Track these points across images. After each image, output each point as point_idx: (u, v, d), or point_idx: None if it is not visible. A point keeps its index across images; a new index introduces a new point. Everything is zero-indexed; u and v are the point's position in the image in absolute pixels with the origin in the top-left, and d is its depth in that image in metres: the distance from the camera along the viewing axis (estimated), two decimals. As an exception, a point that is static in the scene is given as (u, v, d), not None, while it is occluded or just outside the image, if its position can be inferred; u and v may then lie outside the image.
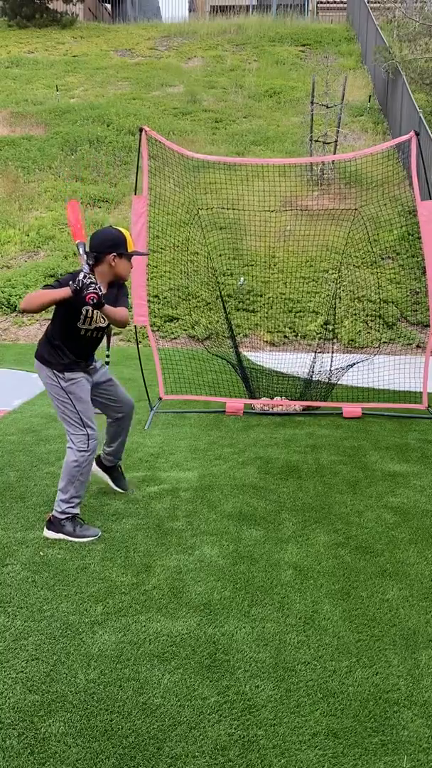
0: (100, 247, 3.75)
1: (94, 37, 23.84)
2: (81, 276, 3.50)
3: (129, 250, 3.81)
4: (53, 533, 3.80)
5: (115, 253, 3.75)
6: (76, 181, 15.11)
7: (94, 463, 4.38)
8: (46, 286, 3.68)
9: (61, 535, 3.78)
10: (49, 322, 3.88)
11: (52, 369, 3.77)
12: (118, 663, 2.72)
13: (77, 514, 3.85)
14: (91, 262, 3.71)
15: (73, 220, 3.86)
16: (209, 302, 11.42)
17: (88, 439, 3.79)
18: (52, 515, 3.83)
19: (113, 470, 4.46)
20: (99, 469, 4.43)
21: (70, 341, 3.78)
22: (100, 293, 3.48)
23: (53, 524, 3.81)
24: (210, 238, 11.10)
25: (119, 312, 3.71)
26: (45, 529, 3.84)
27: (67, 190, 14.65)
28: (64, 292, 3.54)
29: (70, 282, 3.54)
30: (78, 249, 3.74)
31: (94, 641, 2.86)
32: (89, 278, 3.50)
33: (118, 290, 3.86)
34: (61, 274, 12.30)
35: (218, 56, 21.88)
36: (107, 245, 3.75)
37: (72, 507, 3.81)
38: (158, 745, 2.30)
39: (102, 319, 3.78)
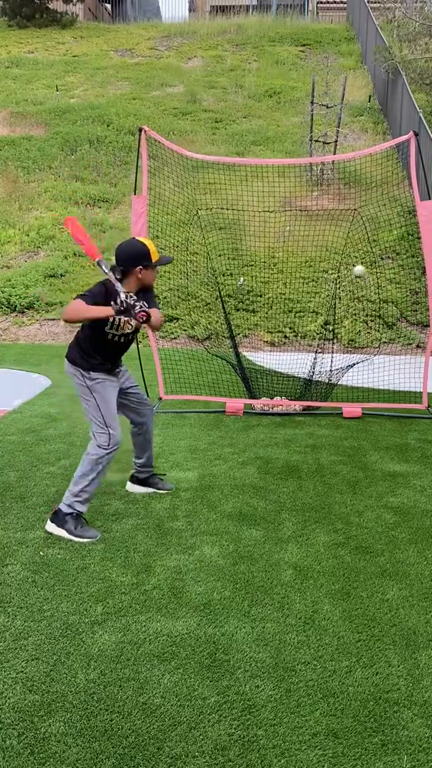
0: (126, 262, 3.79)
1: (94, 37, 23.84)
2: (123, 297, 3.58)
3: (154, 260, 3.85)
4: (54, 526, 3.81)
5: (141, 266, 3.80)
6: (76, 181, 15.11)
7: (132, 485, 4.55)
8: (81, 296, 3.69)
9: (61, 531, 3.79)
10: (78, 332, 3.95)
11: (78, 369, 3.87)
12: (118, 663, 2.72)
13: (82, 513, 3.87)
14: (119, 277, 3.75)
15: (79, 238, 3.89)
16: (209, 302, 11.42)
17: (110, 438, 3.84)
18: (59, 507, 3.84)
19: (151, 479, 4.54)
20: (138, 486, 4.52)
21: (99, 344, 3.85)
22: (147, 310, 3.59)
23: (57, 517, 3.82)
24: (209, 238, 11.11)
25: (160, 318, 3.84)
26: (48, 521, 3.85)
27: (67, 190, 14.65)
28: (108, 311, 3.60)
29: (112, 303, 3.62)
30: (101, 268, 3.73)
31: (94, 641, 2.86)
32: (131, 297, 3.61)
33: (144, 295, 3.90)
34: (61, 275, 12.31)
35: (218, 56, 21.89)
36: (134, 260, 3.80)
37: (80, 502, 3.83)
38: (158, 745, 2.30)
39: (129, 326, 3.83)
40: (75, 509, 3.82)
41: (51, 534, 3.82)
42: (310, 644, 2.87)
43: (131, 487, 4.54)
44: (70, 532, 3.78)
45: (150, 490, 4.53)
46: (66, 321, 3.71)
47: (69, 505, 3.82)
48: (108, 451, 3.83)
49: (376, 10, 19.78)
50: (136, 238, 3.97)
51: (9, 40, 23.24)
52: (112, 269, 3.76)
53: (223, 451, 5.52)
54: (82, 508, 3.85)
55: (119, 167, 15.54)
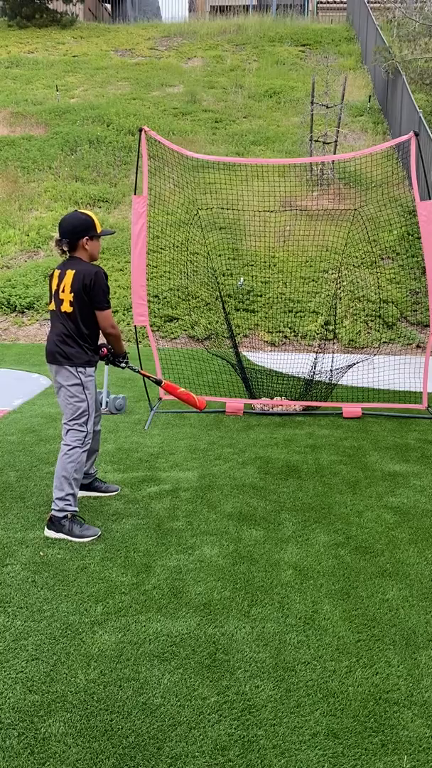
0: (72, 234, 3.86)
1: (94, 37, 23.83)
2: (123, 363, 4.19)
3: (98, 231, 3.94)
4: (53, 532, 3.81)
5: (87, 237, 3.88)
6: (76, 181, 15.11)
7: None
8: (108, 306, 3.90)
9: (61, 535, 3.79)
10: (63, 327, 3.90)
11: (75, 366, 3.86)
12: (118, 663, 2.72)
13: (76, 512, 3.86)
14: (66, 249, 3.87)
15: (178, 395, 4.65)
16: (209, 302, 11.42)
17: (86, 435, 3.89)
18: (52, 514, 3.84)
19: (94, 483, 4.46)
20: (83, 491, 4.39)
21: (93, 334, 3.95)
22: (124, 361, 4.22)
23: (53, 524, 3.82)
24: (209, 238, 11.11)
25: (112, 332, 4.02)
26: (45, 528, 3.85)
27: (67, 190, 14.65)
28: (121, 351, 4.17)
29: (122, 363, 4.19)
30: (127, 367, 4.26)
31: (94, 641, 2.86)
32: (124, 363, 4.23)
33: (90, 294, 3.87)
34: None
35: (218, 56, 21.88)
36: (80, 231, 3.87)
37: (69, 504, 3.82)
38: (158, 745, 2.30)
39: None
40: (68, 511, 3.82)
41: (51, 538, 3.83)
42: (310, 644, 2.87)
43: (80, 493, 4.33)
44: (70, 534, 3.78)
45: (96, 494, 4.44)
46: (116, 336, 3.99)
47: (60, 509, 3.81)
48: (84, 447, 3.89)
49: (376, 10, 19.77)
50: (79, 210, 3.99)
51: (9, 40, 23.23)
52: (58, 243, 3.86)
53: (223, 451, 5.52)
54: (74, 508, 3.85)
55: (119, 167, 15.54)
